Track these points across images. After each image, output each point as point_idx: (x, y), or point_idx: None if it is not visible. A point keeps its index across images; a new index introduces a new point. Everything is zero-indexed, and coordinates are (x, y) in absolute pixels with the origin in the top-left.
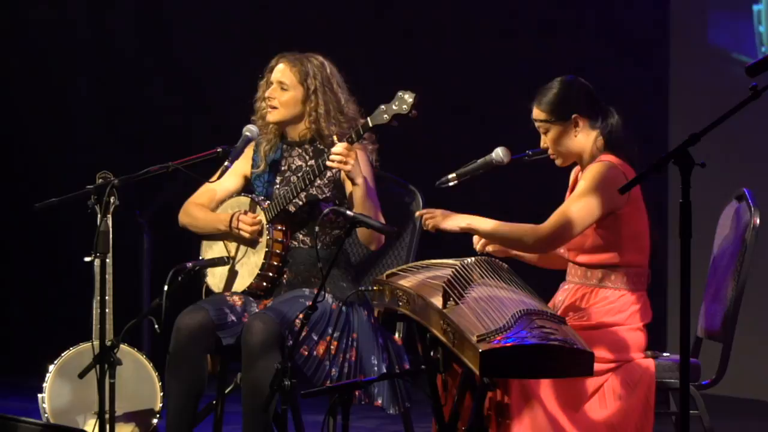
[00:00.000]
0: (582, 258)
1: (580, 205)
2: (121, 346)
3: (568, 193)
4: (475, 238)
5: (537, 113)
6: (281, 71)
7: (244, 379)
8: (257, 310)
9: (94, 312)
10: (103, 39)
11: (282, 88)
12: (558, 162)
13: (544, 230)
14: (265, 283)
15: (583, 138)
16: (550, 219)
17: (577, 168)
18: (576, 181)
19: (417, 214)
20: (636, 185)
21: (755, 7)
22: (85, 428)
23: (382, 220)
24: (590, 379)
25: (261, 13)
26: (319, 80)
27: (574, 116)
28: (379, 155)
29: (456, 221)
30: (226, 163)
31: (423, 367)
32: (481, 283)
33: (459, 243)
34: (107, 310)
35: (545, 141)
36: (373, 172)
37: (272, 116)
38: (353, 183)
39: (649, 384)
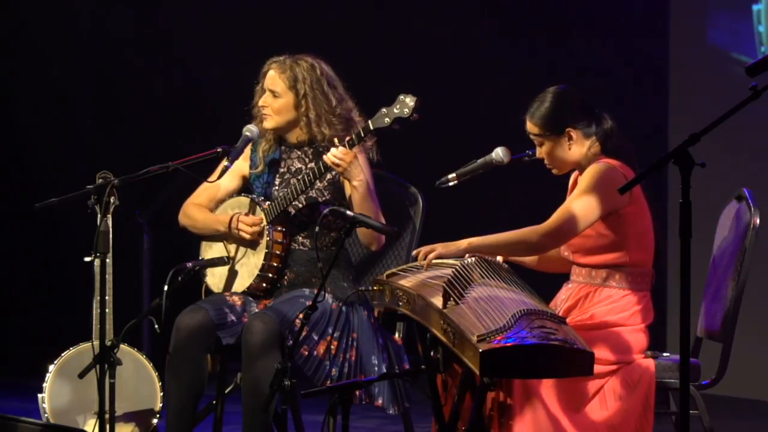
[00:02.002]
0: (586, 259)
1: (581, 202)
2: (121, 346)
3: (567, 195)
4: (420, 256)
5: (530, 127)
6: (271, 78)
7: (244, 379)
8: (257, 310)
9: (94, 312)
10: (103, 39)
11: (274, 95)
12: (555, 172)
13: (547, 226)
14: (264, 284)
15: (578, 148)
16: (553, 216)
17: (576, 173)
18: (575, 184)
19: (414, 253)
20: (636, 185)
21: (755, 7)
22: (85, 428)
23: (383, 221)
24: (591, 381)
25: (261, 13)
26: (308, 84)
27: (567, 130)
28: (379, 155)
29: (457, 246)
30: (226, 163)
31: (423, 367)
32: (482, 283)
33: None
34: (107, 310)
35: (540, 152)
36: (373, 172)
37: (268, 123)
38: (350, 185)
39: (649, 384)
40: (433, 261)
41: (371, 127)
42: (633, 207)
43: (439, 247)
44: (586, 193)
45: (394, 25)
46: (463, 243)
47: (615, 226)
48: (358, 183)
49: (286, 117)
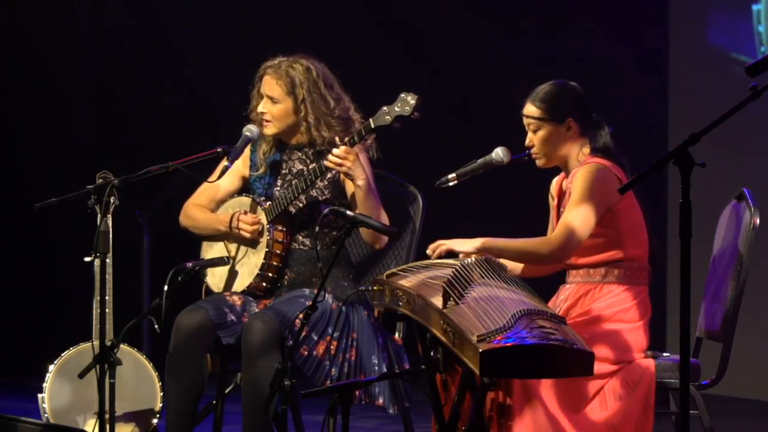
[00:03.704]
0: (584, 259)
1: (581, 210)
2: (121, 346)
3: (553, 201)
4: (431, 249)
5: (531, 110)
6: (268, 84)
7: (244, 379)
8: (257, 310)
9: (94, 312)
10: (103, 39)
11: (272, 101)
12: (540, 162)
13: (555, 240)
14: (264, 284)
15: (571, 144)
16: (557, 230)
17: (560, 177)
18: (560, 190)
19: (429, 249)
20: (636, 185)
21: (755, 7)
22: (85, 428)
23: (385, 219)
24: (591, 381)
25: (262, 12)
26: (306, 88)
27: (569, 120)
28: (379, 153)
29: (470, 243)
30: (225, 163)
31: (423, 367)
32: (482, 283)
33: None
34: (107, 310)
35: (531, 139)
36: (374, 170)
37: (269, 129)
38: (354, 183)
39: (649, 384)
40: (433, 261)
41: (372, 126)
42: (624, 202)
43: (450, 242)
44: (582, 198)
45: (394, 24)
46: (477, 242)
47: (609, 223)
48: (361, 182)
49: (286, 122)
